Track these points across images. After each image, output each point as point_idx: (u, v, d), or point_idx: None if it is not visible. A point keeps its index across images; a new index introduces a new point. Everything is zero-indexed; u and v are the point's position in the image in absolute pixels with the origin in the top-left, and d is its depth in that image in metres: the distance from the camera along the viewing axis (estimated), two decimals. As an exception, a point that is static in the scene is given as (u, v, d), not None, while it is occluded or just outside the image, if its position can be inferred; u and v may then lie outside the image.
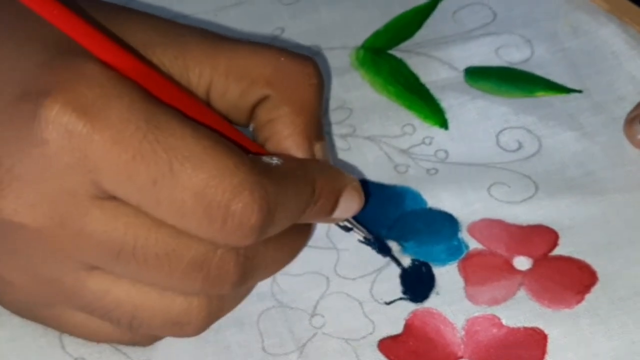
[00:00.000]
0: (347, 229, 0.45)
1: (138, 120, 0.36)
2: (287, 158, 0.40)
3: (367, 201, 0.47)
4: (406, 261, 0.45)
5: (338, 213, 0.42)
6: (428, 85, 0.52)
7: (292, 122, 0.41)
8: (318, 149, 0.42)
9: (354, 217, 0.45)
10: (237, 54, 0.41)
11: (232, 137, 0.39)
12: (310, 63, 0.42)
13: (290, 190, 0.38)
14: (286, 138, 0.41)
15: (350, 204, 0.42)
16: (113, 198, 0.37)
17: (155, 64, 0.40)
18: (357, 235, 0.45)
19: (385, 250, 0.45)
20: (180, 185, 0.36)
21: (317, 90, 0.42)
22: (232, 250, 0.38)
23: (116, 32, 0.39)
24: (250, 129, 0.42)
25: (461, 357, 0.42)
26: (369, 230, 0.46)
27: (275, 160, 0.39)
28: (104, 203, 0.37)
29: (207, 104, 0.41)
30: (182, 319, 0.40)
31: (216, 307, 0.40)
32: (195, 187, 0.36)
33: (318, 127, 0.42)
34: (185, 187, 0.36)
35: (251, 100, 0.41)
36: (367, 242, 0.45)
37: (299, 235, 0.42)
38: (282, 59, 0.41)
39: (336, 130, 0.50)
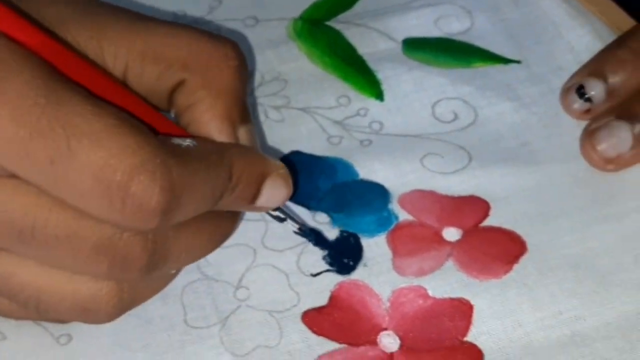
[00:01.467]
0: (281, 220, 0.43)
1: (37, 96, 0.34)
2: (203, 141, 0.39)
3: (299, 173, 0.47)
4: (335, 233, 0.45)
5: (262, 201, 0.40)
6: (365, 57, 0.51)
7: (212, 106, 0.39)
8: (242, 133, 0.40)
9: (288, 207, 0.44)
10: (153, 35, 0.39)
11: (149, 118, 0.38)
12: (229, 44, 0.40)
13: (201, 173, 0.37)
14: (207, 123, 0.40)
15: (275, 192, 0.40)
16: (13, 177, 0.35)
17: (70, 43, 0.38)
18: (292, 226, 0.43)
19: (321, 243, 0.44)
20: (78, 164, 0.34)
21: (238, 72, 0.40)
22: (140, 235, 0.37)
23: (29, 9, 0.38)
24: (172, 114, 0.41)
25: (386, 329, 0.42)
26: (304, 223, 0.44)
27: (187, 142, 0.37)
28: (4, 181, 0.35)
29: (124, 85, 0.40)
30: (91, 305, 0.38)
31: (128, 295, 0.39)
32: (94, 166, 0.34)
33: (241, 111, 0.40)
34: (83, 166, 0.34)
35: (168, 84, 0.40)
36: (302, 234, 0.44)
37: (223, 223, 0.41)
38: (200, 41, 0.40)
39: (270, 101, 0.50)
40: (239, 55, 0.40)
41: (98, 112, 0.35)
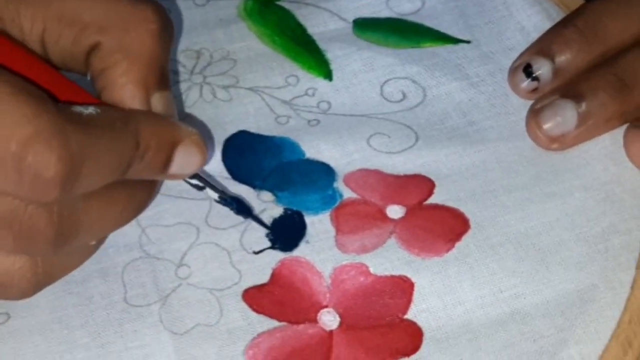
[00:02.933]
0: (200, 188, 0.42)
1: None
2: (107, 108, 0.38)
3: (244, 152, 0.47)
4: (279, 211, 0.44)
5: (175, 169, 0.39)
6: (315, 37, 0.51)
7: (127, 70, 0.39)
8: (156, 99, 0.40)
9: (226, 164, 0.44)
10: None
11: (53, 85, 0.37)
12: (150, 7, 0.40)
13: (104, 141, 0.36)
14: (121, 88, 0.39)
15: (188, 159, 0.39)
16: None
17: None
18: (212, 195, 0.43)
19: (244, 211, 0.43)
20: None
21: (157, 36, 0.39)
22: (44, 207, 0.36)
23: None
24: (88, 77, 0.40)
25: (326, 306, 0.41)
26: (225, 191, 0.44)
27: (89, 110, 0.36)
28: None
29: (42, 52, 0.39)
30: (4, 280, 0.38)
31: (44, 269, 0.38)
32: None
33: (158, 77, 0.40)
34: None
35: (84, 47, 0.39)
36: (223, 202, 0.43)
37: (138, 192, 0.40)
38: (117, 2, 0.39)
39: (219, 81, 0.49)
40: (160, 18, 0.40)
41: None
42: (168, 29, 0.40)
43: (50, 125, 0.34)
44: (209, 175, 0.44)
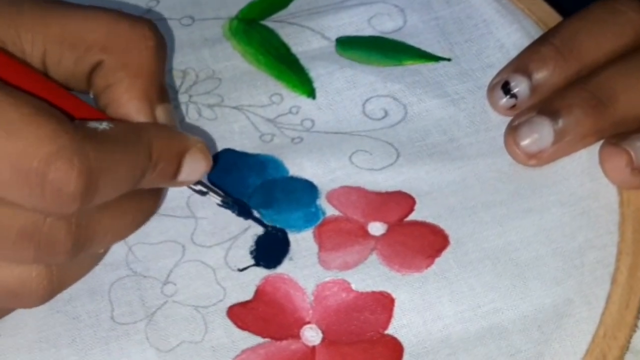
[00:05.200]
0: (203, 193, 0.44)
1: None
2: (119, 122, 0.40)
3: (229, 170, 0.48)
4: (263, 229, 0.45)
5: (184, 176, 0.41)
6: (299, 55, 0.52)
7: (130, 86, 0.41)
8: (160, 112, 0.41)
9: (211, 182, 0.45)
10: (70, 19, 0.40)
11: (65, 103, 0.39)
12: (147, 25, 0.41)
13: (119, 154, 0.38)
14: (125, 103, 0.41)
15: (195, 166, 0.41)
16: None
17: None
18: (214, 199, 0.44)
19: (245, 213, 0.45)
20: None
21: (155, 53, 0.41)
22: (63, 219, 0.38)
23: None
24: (91, 95, 0.42)
25: (309, 322, 0.42)
26: (227, 194, 0.45)
27: (103, 125, 0.38)
28: None
29: (44, 72, 0.41)
30: (21, 290, 0.39)
31: (58, 277, 0.40)
32: (12, 156, 0.35)
33: (159, 90, 0.42)
34: (2, 157, 0.35)
35: (86, 67, 0.41)
36: (225, 205, 0.45)
37: (145, 201, 0.42)
38: (117, 22, 0.40)
39: (204, 100, 0.50)
40: (156, 35, 0.41)
41: (13, 102, 0.36)
42: (163, 45, 0.42)
43: (70, 143, 0.36)
44: (209, 181, 0.46)
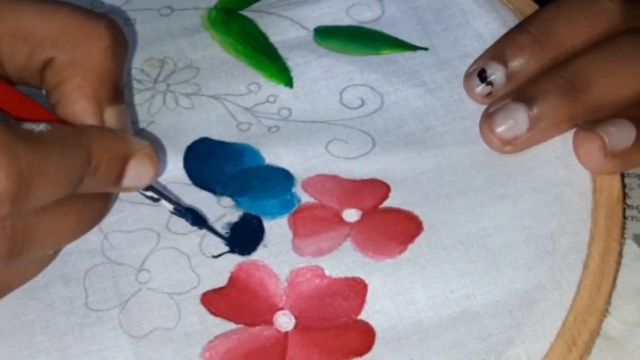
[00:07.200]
0: (154, 200, 0.43)
1: None
2: (58, 125, 0.38)
3: (206, 159, 0.48)
4: (238, 215, 0.45)
5: (128, 181, 0.40)
6: (277, 45, 0.52)
7: (80, 85, 0.40)
8: (110, 114, 0.41)
9: (188, 171, 0.45)
10: (25, 13, 0.40)
11: (8, 102, 0.38)
12: (103, 22, 0.41)
13: (54, 157, 0.37)
14: (74, 102, 0.40)
15: (140, 172, 0.40)
16: None
17: None
18: (167, 206, 0.44)
19: (199, 222, 0.44)
20: None
21: (109, 52, 0.40)
22: None
23: None
24: (44, 91, 0.41)
25: (282, 309, 0.42)
26: (179, 202, 0.45)
27: (40, 127, 0.37)
28: None
29: None
30: None
31: (2, 280, 0.39)
32: None
33: (111, 91, 0.41)
34: None
35: (38, 62, 0.40)
36: (178, 213, 0.44)
37: (91, 205, 0.41)
38: (71, 18, 0.40)
39: (181, 89, 0.50)
40: (113, 34, 0.41)
41: None
42: (121, 44, 0.41)
43: (1, 143, 0.35)
44: (164, 187, 0.45)
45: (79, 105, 0.40)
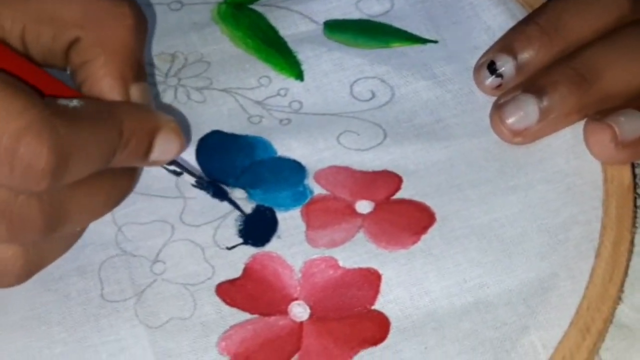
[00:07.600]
0: (177, 173, 0.44)
1: None
2: (91, 100, 0.40)
3: (218, 151, 0.48)
4: (251, 207, 0.46)
5: (156, 155, 0.41)
6: (287, 38, 0.52)
7: (105, 63, 0.41)
8: (135, 90, 0.42)
9: (200, 164, 0.45)
10: None
11: (37, 80, 0.39)
12: (125, 4, 0.42)
13: (90, 132, 0.38)
14: (100, 80, 0.41)
15: (167, 146, 0.41)
16: None
17: None
18: (189, 179, 0.45)
19: (220, 194, 0.45)
20: None
21: (133, 31, 0.41)
22: (34, 196, 0.37)
23: None
24: (68, 72, 0.42)
25: (296, 299, 0.43)
26: (202, 175, 0.45)
27: (74, 103, 0.38)
28: None
29: (23, 49, 0.41)
30: None
31: (35, 256, 0.40)
32: None
33: (135, 69, 0.42)
34: None
35: (64, 43, 0.41)
36: (200, 185, 0.45)
37: (120, 180, 0.42)
38: (96, 0, 0.41)
39: (193, 83, 0.51)
40: (135, 14, 0.42)
41: None
42: (143, 24, 0.42)
43: (40, 118, 0.36)
44: (186, 162, 0.46)
45: (106, 82, 0.41)
